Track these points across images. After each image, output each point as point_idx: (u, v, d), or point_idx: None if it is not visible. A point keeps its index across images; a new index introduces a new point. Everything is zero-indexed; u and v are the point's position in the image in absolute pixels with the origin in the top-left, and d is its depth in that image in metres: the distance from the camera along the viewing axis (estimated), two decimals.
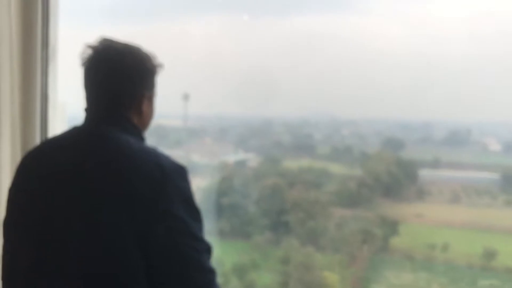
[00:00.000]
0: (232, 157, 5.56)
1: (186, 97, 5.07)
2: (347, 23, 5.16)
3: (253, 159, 5.54)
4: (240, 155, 5.55)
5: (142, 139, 1.31)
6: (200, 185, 5.56)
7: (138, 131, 1.29)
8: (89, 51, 1.24)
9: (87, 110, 1.29)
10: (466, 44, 5.00)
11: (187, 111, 5.26)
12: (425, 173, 5.36)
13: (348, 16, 5.23)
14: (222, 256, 5.22)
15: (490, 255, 4.71)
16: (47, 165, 1.24)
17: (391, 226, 5.16)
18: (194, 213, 1.21)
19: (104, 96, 1.27)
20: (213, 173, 5.51)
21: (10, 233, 1.26)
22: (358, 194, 5.29)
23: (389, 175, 5.34)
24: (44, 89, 1.70)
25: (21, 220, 1.24)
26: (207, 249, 1.20)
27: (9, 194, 1.28)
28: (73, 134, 1.28)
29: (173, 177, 1.19)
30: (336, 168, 5.46)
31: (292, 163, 5.56)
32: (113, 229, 1.12)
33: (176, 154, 5.56)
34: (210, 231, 5.18)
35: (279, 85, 5.20)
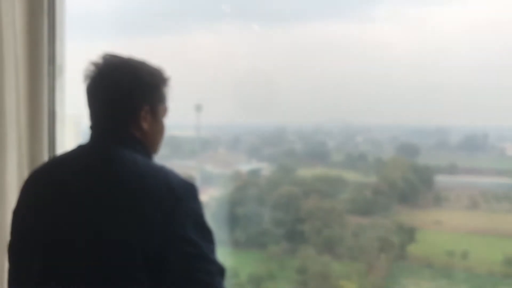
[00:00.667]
0: (245, 167, 5.49)
1: (198, 107, 5.03)
2: (360, 29, 5.08)
3: (266, 168, 5.46)
4: (254, 165, 5.48)
5: (148, 156, 1.25)
6: (214, 195, 5.51)
7: (144, 148, 1.23)
8: (91, 68, 1.19)
9: (91, 127, 1.24)
10: (482, 47, 4.89)
11: (200, 122, 5.21)
12: (441, 179, 5.23)
13: (360, 22, 5.15)
14: (237, 266, 5.15)
15: (511, 262, 4.57)
16: (51, 186, 1.18)
17: (409, 234, 5.04)
18: (206, 234, 1.15)
19: (106, 113, 1.22)
20: (226, 183, 5.45)
21: (16, 257, 1.22)
22: (374, 201, 5.19)
23: (405, 181, 5.23)
24: (51, 105, 1.64)
25: (26, 243, 1.19)
26: (221, 272, 1.14)
27: (14, 217, 1.23)
28: (78, 154, 1.22)
29: (183, 197, 1.13)
30: (351, 176, 5.36)
31: (306, 172, 5.47)
32: (122, 253, 1.07)
33: (189, 164, 5.51)
34: (224, 242, 5.17)
35: (291, 93, 5.13)
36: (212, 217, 5.89)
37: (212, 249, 1.13)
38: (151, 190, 1.10)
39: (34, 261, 1.14)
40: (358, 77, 5.13)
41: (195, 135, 5.52)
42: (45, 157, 1.63)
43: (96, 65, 1.20)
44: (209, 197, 5.61)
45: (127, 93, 1.21)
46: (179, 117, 5.15)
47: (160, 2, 4.83)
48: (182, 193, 1.13)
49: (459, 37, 4.98)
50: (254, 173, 5.46)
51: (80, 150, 1.23)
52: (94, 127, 1.24)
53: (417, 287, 4.81)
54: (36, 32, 1.63)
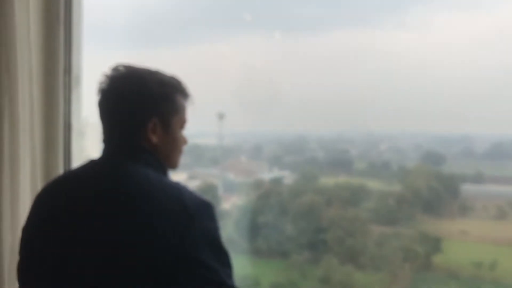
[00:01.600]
0: (267, 175, 5.41)
1: (221, 116, 4.98)
2: (383, 37, 4.97)
3: (288, 177, 5.37)
4: (275, 173, 5.39)
5: (163, 170, 1.17)
6: (236, 203, 5.44)
7: (157, 162, 1.15)
8: (102, 79, 1.13)
9: (104, 141, 1.17)
10: (507, 54, 4.72)
11: (222, 130, 5.16)
12: (467, 188, 5.05)
13: (383, 30, 5.03)
14: (259, 275, 5.06)
15: None
16: (60, 204, 1.12)
17: (434, 243, 4.88)
18: (222, 257, 1.06)
19: (114, 127, 1.15)
20: (248, 191, 5.37)
21: (25, 277, 1.16)
22: (398, 210, 5.04)
23: (430, 190, 5.07)
24: (67, 118, 1.59)
25: (35, 263, 1.13)
26: None
27: (22, 235, 1.17)
28: (89, 169, 1.16)
29: (198, 217, 1.04)
30: (374, 184, 5.23)
31: (328, 180, 5.36)
32: (132, 275, 0.99)
33: (211, 172, 5.46)
34: (246, 250, 5.08)
35: (313, 102, 5.04)
36: (234, 225, 5.83)
37: (228, 274, 1.04)
38: (162, 208, 1.02)
39: (42, 282, 1.09)
40: (381, 85, 5.01)
41: (217, 144, 5.47)
42: (60, 171, 1.57)
43: (106, 76, 1.14)
44: (231, 205, 5.55)
45: (133, 105, 1.14)
46: (202, 125, 5.13)
47: (182, 12, 4.82)
48: (196, 212, 1.04)
49: (486, 45, 4.83)
50: (276, 181, 5.37)
51: (91, 166, 1.16)
52: (105, 141, 1.17)
53: None
54: (52, 42, 1.58)
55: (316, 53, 5.01)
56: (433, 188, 5.06)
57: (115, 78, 1.14)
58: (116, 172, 1.09)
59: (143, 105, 1.14)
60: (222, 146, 5.47)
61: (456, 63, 4.98)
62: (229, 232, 5.34)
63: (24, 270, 1.17)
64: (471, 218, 4.99)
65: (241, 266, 5.52)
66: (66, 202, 1.11)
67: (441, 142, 5.35)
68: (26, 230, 1.18)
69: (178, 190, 1.08)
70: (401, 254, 4.83)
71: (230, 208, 5.40)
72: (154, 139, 1.15)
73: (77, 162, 1.53)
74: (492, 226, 4.92)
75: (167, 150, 1.19)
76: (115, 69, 1.15)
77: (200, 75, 4.53)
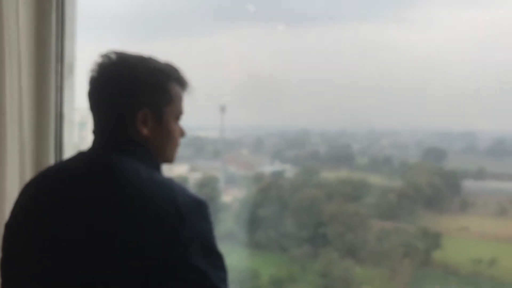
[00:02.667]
0: (268, 168, 5.33)
1: (222, 109, 4.89)
2: (386, 32, 4.86)
3: (289, 170, 5.29)
4: (277, 166, 5.31)
5: (155, 166, 1.07)
6: (236, 197, 5.37)
7: (148, 156, 1.05)
8: (91, 67, 1.03)
9: (93, 132, 1.08)
10: (511, 51, 4.62)
11: (224, 123, 5.07)
12: (469, 185, 4.96)
13: (388, 24, 4.92)
14: (259, 268, 4.99)
15: None
16: (44, 199, 1.04)
17: (434, 239, 4.79)
18: (215, 259, 0.97)
19: (104, 117, 1.06)
20: (249, 184, 5.29)
21: (7, 274, 1.08)
22: (398, 206, 4.96)
23: (431, 186, 4.98)
24: (58, 107, 1.49)
25: (18, 260, 1.05)
26: None
27: (5, 230, 1.09)
28: (76, 162, 1.06)
29: (190, 217, 0.95)
30: (375, 179, 5.14)
31: (329, 174, 5.27)
32: (117, 277, 0.90)
33: (213, 165, 5.39)
34: (246, 243, 5.01)
35: (315, 96, 4.95)
36: (234, 218, 5.76)
37: (221, 277, 0.95)
38: (152, 207, 0.93)
39: (25, 280, 1.01)
40: (385, 80, 4.91)
41: (219, 136, 5.39)
42: (51, 162, 1.48)
43: (96, 64, 1.04)
44: (232, 198, 5.48)
45: (121, 94, 1.04)
46: (203, 118, 5.05)
47: (184, 3, 4.71)
48: (189, 211, 0.94)
49: (490, 41, 4.72)
50: (277, 175, 5.29)
51: (78, 159, 1.07)
52: (95, 132, 1.08)
53: None
54: (43, 27, 1.48)
55: (319, 47, 4.91)
56: (434, 184, 4.97)
57: (104, 66, 1.04)
58: (103, 167, 1.00)
59: (132, 94, 1.04)
60: (223, 139, 5.39)
61: (459, 59, 4.88)
62: (229, 225, 5.27)
63: (7, 267, 1.09)
64: (472, 215, 4.90)
65: (240, 259, 5.46)
66: (50, 197, 1.03)
67: (443, 138, 5.26)
68: (9, 225, 1.10)
69: (169, 187, 0.98)
70: (401, 250, 4.75)
71: (231, 201, 5.33)
72: (145, 131, 1.05)
73: (69, 153, 1.44)
74: (492, 223, 4.83)
75: (160, 143, 1.09)
76: (106, 56, 1.05)
77: (202, 68, 4.43)
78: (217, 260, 0.96)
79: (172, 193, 0.96)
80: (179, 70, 1.12)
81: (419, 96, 4.90)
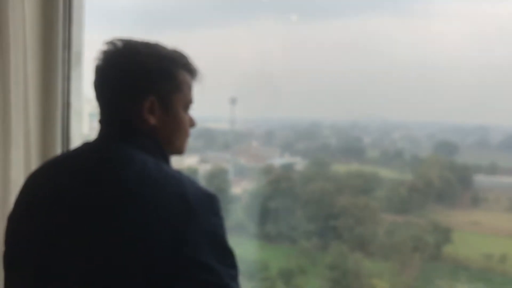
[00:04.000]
0: (278, 161, 5.25)
1: (233, 100, 4.81)
2: (399, 24, 4.73)
3: (300, 163, 5.20)
4: (287, 159, 5.22)
5: (163, 157, 0.99)
6: (246, 189, 5.30)
7: (156, 147, 0.97)
8: (98, 55, 0.96)
9: (99, 122, 1.00)
10: None
11: (235, 115, 4.99)
12: (480, 179, 4.84)
13: (400, 17, 4.79)
14: (268, 260, 4.93)
15: None
16: (47, 191, 0.97)
17: (444, 234, 4.70)
18: (226, 257, 0.88)
19: (109, 106, 0.98)
20: (259, 176, 5.22)
21: (10, 267, 1.02)
22: (409, 199, 4.86)
23: (442, 180, 4.87)
24: (65, 96, 1.41)
25: (21, 254, 0.98)
26: None
27: (8, 223, 1.02)
28: (81, 153, 0.99)
29: (200, 212, 0.87)
30: (386, 173, 5.04)
31: (340, 167, 5.17)
32: (123, 274, 0.83)
33: (223, 157, 5.32)
34: (256, 235, 4.94)
35: (328, 87, 4.85)
36: (244, 210, 5.69)
37: (232, 276, 0.87)
38: (159, 201, 0.85)
39: (28, 274, 0.94)
40: (397, 73, 4.79)
41: (229, 128, 5.31)
42: (57, 153, 1.41)
43: (101, 52, 0.97)
44: (242, 190, 5.41)
45: (126, 82, 0.96)
46: (214, 110, 4.97)
47: None
48: (199, 206, 0.86)
49: (504, 32, 4.57)
50: (287, 167, 5.20)
51: (83, 149, 0.99)
52: (101, 122, 1.00)
53: None
54: (49, 14, 1.40)
55: (331, 39, 4.79)
56: (445, 178, 4.86)
57: (109, 53, 0.97)
58: (109, 158, 0.92)
59: (137, 81, 0.96)
60: (234, 130, 5.31)
61: (473, 52, 4.74)
62: (239, 217, 5.21)
63: (9, 261, 1.03)
64: (484, 210, 4.79)
65: (250, 251, 5.40)
66: (53, 190, 0.96)
67: (455, 132, 5.13)
68: (12, 218, 1.03)
69: (178, 180, 0.90)
70: (411, 244, 4.67)
71: (241, 193, 5.26)
72: (152, 120, 0.97)
73: (76, 143, 1.37)
74: (504, 218, 4.72)
75: (169, 133, 1.01)
76: (111, 43, 0.97)
77: (213, 59, 4.35)
78: (228, 257, 0.88)
79: (181, 186, 0.89)
80: (188, 56, 1.04)
81: (432, 89, 4.78)
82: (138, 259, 0.82)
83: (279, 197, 4.99)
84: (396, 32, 4.69)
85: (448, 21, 4.79)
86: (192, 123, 1.07)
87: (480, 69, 4.66)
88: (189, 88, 1.03)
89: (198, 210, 0.86)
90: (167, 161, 1.01)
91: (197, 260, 0.83)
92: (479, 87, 4.71)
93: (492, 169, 4.85)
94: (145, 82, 0.96)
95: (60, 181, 0.95)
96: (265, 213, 4.97)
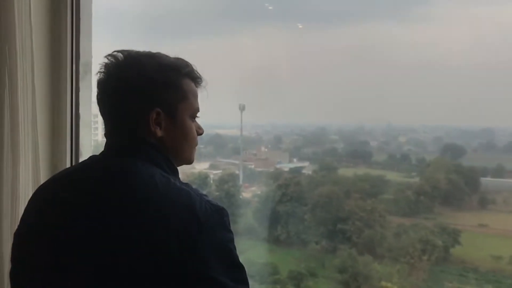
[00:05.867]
0: (287, 165, 5.20)
1: (242, 107, 4.78)
2: (405, 30, 4.68)
3: (307, 167, 5.14)
4: (295, 163, 5.17)
5: (172, 169, 0.94)
6: (256, 193, 5.25)
7: (164, 159, 0.92)
8: (99, 68, 0.90)
9: (105, 136, 0.95)
10: None
11: (243, 121, 4.95)
12: (488, 181, 4.76)
13: (406, 23, 4.74)
14: (278, 263, 4.86)
15: None
16: (53, 206, 0.91)
17: (452, 236, 4.61)
18: (236, 273, 0.82)
19: (115, 120, 0.92)
20: (268, 181, 5.17)
21: (18, 284, 0.96)
22: (416, 202, 4.78)
23: (449, 182, 4.79)
24: (74, 108, 1.37)
25: (28, 270, 0.93)
26: None
27: (15, 239, 0.97)
28: (88, 168, 0.93)
29: (209, 226, 0.81)
30: (393, 176, 4.96)
31: (347, 171, 5.11)
32: None
33: (233, 162, 5.28)
34: (266, 239, 4.88)
35: (334, 93, 4.79)
36: (254, 214, 5.64)
37: None
38: (168, 216, 0.80)
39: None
40: (403, 78, 4.73)
41: (238, 134, 5.28)
42: (67, 166, 1.36)
43: (102, 65, 0.92)
44: (252, 194, 5.36)
45: (130, 95, 0.91)
46: (224, 116, 4.94)
47: (204, 4, 4.59)
48: (208, 220, 0.81)
49: (508, 37, 4.50)
50: (296, 171, 5.15)
51: (90, 163, 0.94)
52: (106, 136, 0.95)
53: None
54: (56, 24, 1.36)
55: (337, 46, 4.75)
56: (452, 181, 4.78)
57: (111, 66, 0.91)
58: (116, 172, 0.87)
59: (141, 93, 0.91)
60: (243, 136, 5.27)
61: (479, 57, 4.67)
62: (249, 220, 5.16)
63: (17, 278, 0.98)
64: (491, 212, 4.70)
65: (260, 254, 5.34)
66: (60, 205, 0.91)
67: (461, 135, 5.05)
68: (18, 234, 0.98)
69: (187, 194, 0.84)
70: (419, 246, 4.58)
71: (250, 197, 5.21)
72: (159, 132, 0.91)
73: (86, 156, 1.32)
74: None
75: (177, 143, 0.95)
76: (112, 55, 0.92)
77: (222, 67, 4.31)
78: (238, 273, 0.82)
79: (190, 200, 0.83)
80: (191, 64, 0.98)
81: (437, 93, 4.71)
82: (147, 274, 0.77)
83: (288, 201, 4.94)
84: (401, 38, 4.64)
85: (452, 25, 4.73)
86: (199, 131, 1.02)
87: (487, 72, 4.59)
88: (194, 96, 0.98)
89: (207, 224, 0.81)
90: (175, 173, 0.96)
91: (207, 276, 0.78)
92: (485, 90, 4.64)
93: (499, 171, 4.77)
94: (149, 94, 0.90)
95: (66, 198, 0.91)
96: (275, 217, 4.91)
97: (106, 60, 0.89)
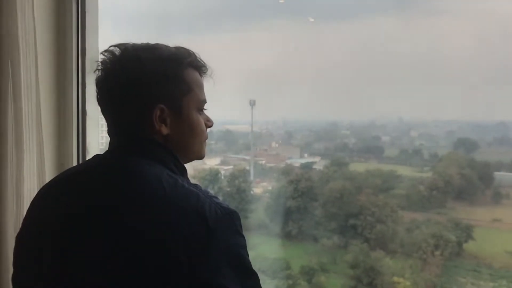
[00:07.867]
0: (298, 161, 5.12)
1: (253, 103, 4.70)
2: (417, 23, 4.55)
3: (319, 163, 5.06)
4: (306, 159, 5.09)
5: (180, 169, 0.85)
6: (267, 188, 5.19)
7: (171, 158, 0.84)
8: (97, 65, 0.82)
9: (109, 134, 0.87)
10: None
11: (254, 117, 4.88)
12: (501, 176, 4.63)
13: (417, 16, 4.61)
14: (290, 258, 4.80)
15: None
16: (55, 208, 0.84)
17: (465, 231, 4.50)
18: (248, 279, 0.74)
19: (118, 119, 0.84)
20: (279, 176, 5.09)
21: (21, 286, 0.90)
22: (429, 197, 4.67)
23: (462, 177, 4.68)
24: (81, 104, 1.30)
25: (30, 274, 0.86)
26: None
27: (17, 242, 0.91)
28: (92, 167, 0.86)
29: (219, 231, 0.73)
30: (405, 171, 4.86)
31: (359, 166, 5.02)
32: None
33: (244, 158, 5.22)
34: (277, 234, 4.81)
35: (345, 88, 4.70)
36: (265, 209, 5.58)
37: None
38: (176, 219, 0.72)
39: None
40: (414, 72, 4.61)
41: (249, 130, 5.21)
42: (73, 164, 1.30)
43: (99, 63, 0.83)
44: (263, 190, 5.29)
45: (131, 91, 0.82)
46: (234, 112, 4.87)
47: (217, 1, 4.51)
48: (218, 224, 0.73)
49: None
50: (307, 167, 5.06)
51: (94, 164, 0.86)
52: (110, 134, 0.87)
53: (474, 286, 4.26)
54: (61, 19, 1.29)
55: (349, 40, 4.64)
56: (465, 176, 4.67)
57: (108, 63, 0.83)
58: (121, 173, 0.80)
59: (142, 89, 0.82)
60: (254, 132, 5.20)
61: (492, 51, 4.53)
62: (261, 216, 5.10)
63: (19, 282, 0.91)
64: (505, 206, 4.58)
65: (272, 249, 5.28)
66: (63, 206, 0.84)
67: (475, 129, 4.93)
68: (20, 237, 0.92)
69: (195, 195, 0.77)
70: (432, 241, 4.48)
71: (262, 193, 5.15)
72: (165, 129, 0.83)
73: (94, 153, 1.25)
74: None
75: (185, 139, 0.86)
76: (108, 51, 0.83)
77: (232, 63, 4.24)
78: (251, 280, 0.74)
79: (198, 202, 0.75)
80: (193, 53, 0.88)
81: (449, 87, 4.59)
82: (152, 281, 0.70)
83: (299, 196, 4.86)
84: (413, 32, 4.52)
85: (467, 20, 4.60)
86: (208, 123, 0.92)
87: (500, 66, 4.46)
88: (199, 87, 0.88)
89: (217, 228, 0.73)
90: (183, 173, 0.88)
91: (215, 283, 0.71)
92: (498, 84, 4.50)
93: None
94: (150, 90, 0.82)
95: (69, 199, 0.84)
96: (286, 212, 4.84)
97: (102, 57, 0.81)
